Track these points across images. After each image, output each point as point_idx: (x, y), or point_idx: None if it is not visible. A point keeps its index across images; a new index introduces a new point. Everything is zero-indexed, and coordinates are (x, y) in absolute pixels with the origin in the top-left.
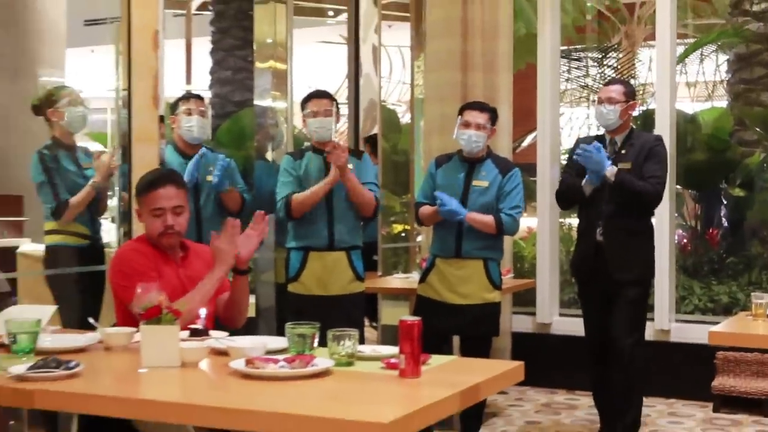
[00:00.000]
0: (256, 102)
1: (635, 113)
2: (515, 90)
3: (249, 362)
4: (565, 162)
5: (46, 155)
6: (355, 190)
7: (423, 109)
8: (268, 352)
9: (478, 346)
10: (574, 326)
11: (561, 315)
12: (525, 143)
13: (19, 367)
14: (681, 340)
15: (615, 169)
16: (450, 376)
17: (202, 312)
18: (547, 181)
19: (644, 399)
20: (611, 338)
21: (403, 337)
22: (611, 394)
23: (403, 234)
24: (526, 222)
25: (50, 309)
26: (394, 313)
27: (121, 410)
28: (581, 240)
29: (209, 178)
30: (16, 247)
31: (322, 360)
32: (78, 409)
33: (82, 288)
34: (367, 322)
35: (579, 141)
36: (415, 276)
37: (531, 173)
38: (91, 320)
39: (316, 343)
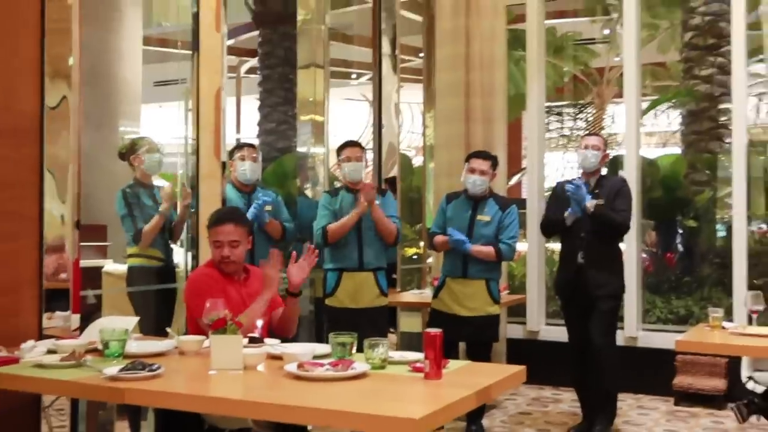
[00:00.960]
0: (298, 149)
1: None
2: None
3: (300, 366)
4: (547, 199)
5: (128, 193)
6: (381, 220)
7: (433, 155)
8: (315, 357)
9: (481, 350)
10: (558, 333)
11: (547, 324)
12: (512, 182)
13: (112, 369)
14: (647, 345)
15: (594, 202)
16: (466, 378)
17: (259, 323)
18: (535, 213)
19: (618, 395)
20: (589, 341)
21: (427, 345)
22: (591, 389)
23: (415, 257)
24: (517, 247)
25: (133, 320)
26: (410, 323)
27: (196, 405)
28: (563, 263)
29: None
30: (101, 267)
31: (359, 364)
32: (161, 404)
33: (158, 302)
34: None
35: (559, 183)
36: (427, 292)
37: (519, 206)
38: (168, 330)
39: (354, 350)
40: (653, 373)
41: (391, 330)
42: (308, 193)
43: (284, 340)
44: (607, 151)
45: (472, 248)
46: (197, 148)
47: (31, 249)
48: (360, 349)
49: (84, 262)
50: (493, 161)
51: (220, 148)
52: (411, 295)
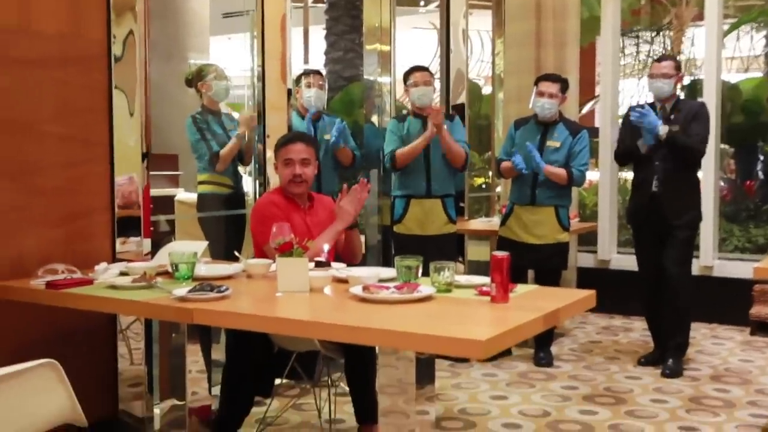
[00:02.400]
0: (365, 77)
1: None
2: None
3: (365, 288)
4: (620, 126)
5: (198, 118)
6: (449, 144)
7: (502, 82)
8: (381, 281)
9: (549, 278)
10: (629, 263)
11: (619, 253)
12: (584, 110)
13: (181, 290)
14: (723, 274)
15: (666, 128)
16: (534, 302)
17: (326, 247)
18: (608, 141)
19: (691, 324)
20: (664, 269)
21: (494, 269)
22: (663, 319)
23: (483, 186)
24: (588, 176)
25: (203, 244)
26: (477, 251)
27: (263, 326)
28: (637, 192)
29: (327, 136)
30: (174, 196)
31: (425, 287)
32: (228, 324)
33: (227, 227)
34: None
35: (631, 108)
36: (495, 220)
37: (591, 134)
38: (236, 254)
39: (420, 274)
40: (729, 302)
41: (459, 259)
42: (374, 121)
43: (351, 265)
44: (681, 73)
45: (545, 167)
46: (263, 75)
47: (102, 175)
48: (426, 273)
49: (156, 191)
50: (563, 84)
51: (286, 74)
52: (479, 223)
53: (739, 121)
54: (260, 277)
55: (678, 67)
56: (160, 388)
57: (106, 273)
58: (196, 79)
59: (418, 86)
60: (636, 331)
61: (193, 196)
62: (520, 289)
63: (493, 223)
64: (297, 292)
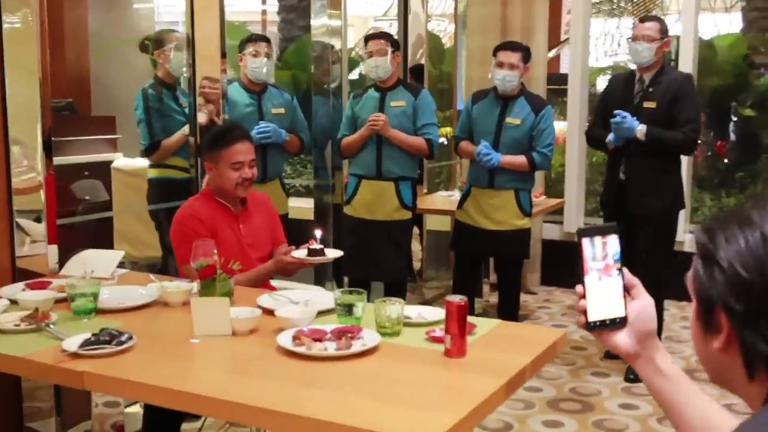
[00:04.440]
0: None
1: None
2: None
3: (297, 338)
4: (599, 98)
5: (150, 94)
6: (403, 144)
7: (465, 41)
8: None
9: (509, 267)
10: None
11: (587, 224)
12: (551, 54)
13: (72, 341)
14: (694, 249)
15: (644, 128)
16: (494, 354)
17: (318, 233)
18: (577, 96)
19: (662, 317)
20: (633, 268)
21: (449, 318)
22: None
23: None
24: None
25: (118, 254)
26: (437, 221)
27: (165, 401)
28: (607, 177)
29: (274, 111)
30: (111, 162)
31: (368, 334)
32: (125, 396)
33: None
34: (416, 230)
35: (612, 80)
36: (456, 196)
37: (557, 82)
38: (152, 276)
39: (361, 311)
40: None
41: (419, 233)
42: (325, 85)
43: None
44: (667, 38)
45: (501, 159)
46: (192, 34)
47: None
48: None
49: (92, 157)
50: (525, 53)
51: (223, 34)
52: (438, 199)
53: (713, 80)
54: (179, 306)
55: (664, 31)
56: (69, 407)
57: None
58: (155, 46)
59: (372, 56)
60: None
61: (132, 163)
62: (480, 328)
63: (453, 199)
64: (217, 336)
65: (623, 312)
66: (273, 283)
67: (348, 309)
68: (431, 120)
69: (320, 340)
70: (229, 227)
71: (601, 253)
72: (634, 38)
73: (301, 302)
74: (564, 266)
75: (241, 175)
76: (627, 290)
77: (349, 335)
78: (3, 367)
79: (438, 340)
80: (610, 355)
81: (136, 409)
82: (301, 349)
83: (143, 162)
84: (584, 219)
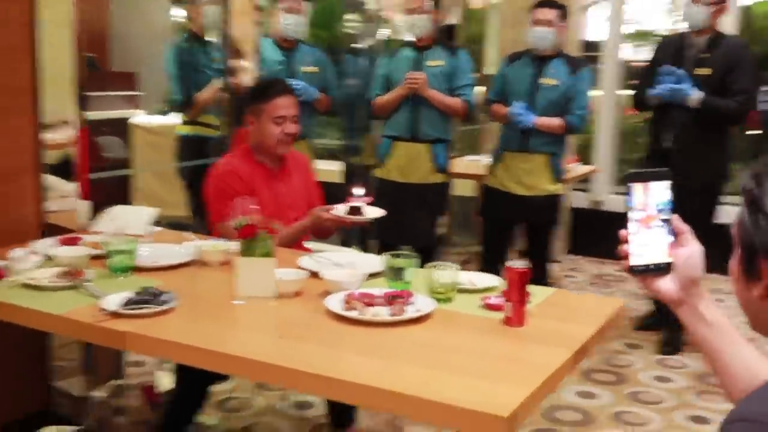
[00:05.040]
0: None
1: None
2: None
3: (347, 302)
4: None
5: (182, 48)
6: (440, 104)
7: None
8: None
9: (540, 234)
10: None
11: (616, 193)
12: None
13: (113, 300)
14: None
15: (701, 95)
16: (555, 324)
17: (358, 191)
18: (611, 62)
19: None
20: None
21: (511, 285)
22: None
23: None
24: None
25: (152, 211)
26: (462, 186)
27: (211, 364)
28: (652, 143)
29: (305, 69)
30: (126, 119)
31: (422, 299)
32: (169, 357)
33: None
34: None
35: (662, 43)
36: (484, 160)
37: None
38: (192, 235)
39: (410, 275)
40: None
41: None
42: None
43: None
44: (723, 2)
45: (535, 121)
46: None
47: (24, 127)
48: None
49: (113, 113)
50: (562, 11)
51: None
52: (465, 164)
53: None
54: (216, 266)
55: None
56: (99, 365)
57: (25, 262)
58: (189, 1)
59: (411, 13)
60: (629, 282)
61: (154, 121)
62: (536, 296)
63: (481, 164)
64: (261, 298)
65: (668, 258)
66: (308, 245)
67: (398, 273)
68: (469, 81)
69: (371, 305)
70: (267, 186)
71: (650, 198)
72: (690, 1)
73: (346, 264)
74: (591, 235)
75: (283, 130)
76: (675, 236)
77: (401, 300)
78: (40, 324)
79: (494, 307)
80: (641, 327)
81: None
82: (352, 314)
83: (165, 119)
84: (614, 188)
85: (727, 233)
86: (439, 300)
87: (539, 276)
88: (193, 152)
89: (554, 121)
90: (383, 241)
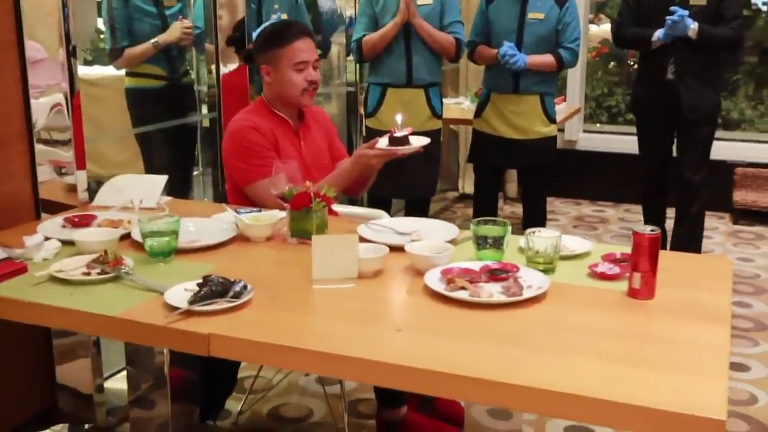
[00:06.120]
0: None
1: None
2: None
3: (450, 281)
4: None
5: None
6: (429, 36)
7: None
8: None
9: (535, 179)
10: (598, 143)
11: (585, 131)
12: None
13: (176, 293)
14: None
15: (696, 26)
16: (684, 292)
17: (398, 119)
18: None
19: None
20: (681, 176)
21: (639, 253)
22: (676, 224)
23: None
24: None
25: (159, 180)
26: None
27: (324, 368)
28: (646, 77)
29: (274, 17)
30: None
31: (529, 273)
32: (263, 361)
33: (168, 137)
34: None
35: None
36: (465, 103)
37: None
38: (227, 207)
39: (506, 243)
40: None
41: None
42: None
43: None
44: None
45: (527, 61)
46: None
47: (10, 84)
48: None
49: None
50: None
51: None
52: (447, 108)
53: None
54: (262, 242)
55: None
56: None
57: (42, 250)
58: None
59: None
60: (612, 221)
61: (94, 72)
62: None
63: (463, 107)
64: (341, 279)
65: None
66: (336, 208)
67: (495, 242)
68: (458, 17)
69: (474, 282)
70: (291, 144)
71: None
72: None
73: (412, 233)
74: (565, 176)
75: (306, 78)
76: None
77: (509, 276)
78: (95, 329)
79: (605, 276)
80: None
81: None
82: (461, 295)
83: (110, 69)
84: (584, 125)
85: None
86: (542, 272)
87: (540, 223)
88: (140, 108)
89: (546, 58)
90: (379, 196)
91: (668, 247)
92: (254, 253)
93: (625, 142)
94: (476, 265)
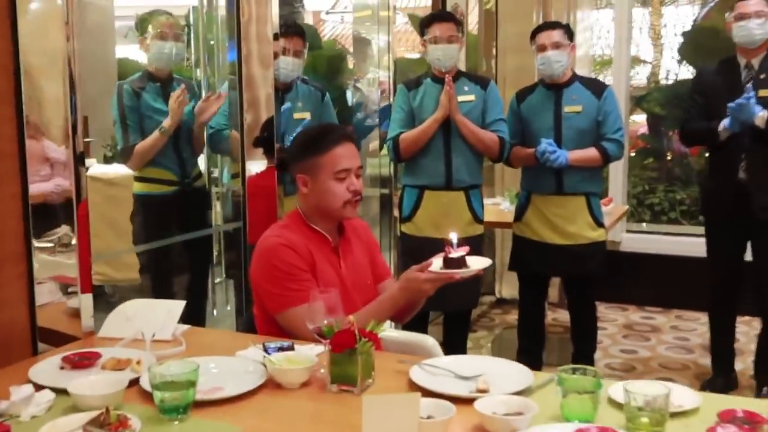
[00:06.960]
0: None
1: None
2: None
3: None
4: (692, 84)
5: (126, 90)
6: (470, 134)
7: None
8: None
9: (584, 288)
10: (641, 243)
11: (628, 231)
12: None
13: None
14: None
15: (765, 114)
16: None
17: (454, 237)
18: (622, 85)
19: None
20: (759, 285)
21: None
22: (733, 335)
23: None
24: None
25: (177, 306)
26: None
27: None
28: (717, 175)
29: (297, 115)
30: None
31: None
32: None
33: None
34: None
35: (704, 70)
36: (503, 204)
37: None
38: (253, 344)
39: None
40: None
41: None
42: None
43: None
44: None
45: (569, 157)
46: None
47: (8, 199)
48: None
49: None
50: (566, 29)
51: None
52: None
53: None
54: (296, 389)
55: None
56: None
57: (31, 405)
58: (138, 30)
59: (438, 42)
60: (665, 332)
61: (111, 171)
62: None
63: (501, 209)
64: None
65: None
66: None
67: (586, 398)
68: (501, 115)
69: None
70: (329, 263)
71: None
72: (742, 17)
73: (477, 378)
74: (609, 279)
75: (348, 187)
76: None
77: None
78: None
79: None
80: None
81: None
82: None
83: (125, 169)
84: (626, 224)
85: None
86: None
87: (589, 335)
88: (144, 217)
89: (590, 152)
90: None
91: (753, 369)
92: (287, 405)
93: (671, 243)
94: (566, 429)
